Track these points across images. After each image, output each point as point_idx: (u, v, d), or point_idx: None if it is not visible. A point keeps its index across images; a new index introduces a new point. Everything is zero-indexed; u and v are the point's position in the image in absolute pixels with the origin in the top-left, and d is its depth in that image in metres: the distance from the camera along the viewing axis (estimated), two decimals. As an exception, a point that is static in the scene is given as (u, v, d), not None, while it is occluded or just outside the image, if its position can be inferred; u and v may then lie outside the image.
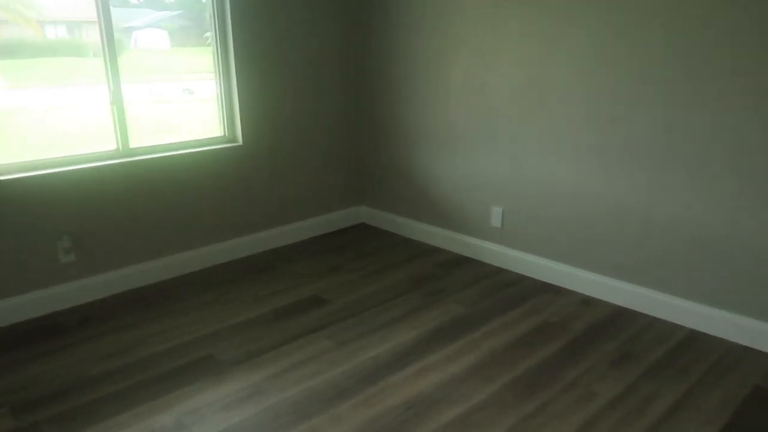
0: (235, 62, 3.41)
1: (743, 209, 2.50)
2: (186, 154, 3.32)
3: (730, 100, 2.44)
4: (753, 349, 2.57)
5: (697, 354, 2.54)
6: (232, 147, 3.51)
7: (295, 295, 3.16)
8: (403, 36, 3.68)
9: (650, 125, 2.70)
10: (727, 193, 2.53)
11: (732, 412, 2.15)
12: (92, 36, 3.07)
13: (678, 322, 2.80)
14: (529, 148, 3.20)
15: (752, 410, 2.17)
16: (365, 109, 4.08)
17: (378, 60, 3.88)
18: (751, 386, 2.31)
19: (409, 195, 3.97)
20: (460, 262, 3.60)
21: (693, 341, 2.65)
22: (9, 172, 2.80)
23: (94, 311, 2.99)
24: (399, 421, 2.11)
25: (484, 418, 2.13)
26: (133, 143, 3.18)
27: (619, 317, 2.87)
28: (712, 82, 2.47)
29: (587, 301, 3.04)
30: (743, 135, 2.43)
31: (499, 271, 3.45)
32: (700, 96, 2.52)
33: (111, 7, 2.98)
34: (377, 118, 4.01)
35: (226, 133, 3.55)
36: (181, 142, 3.37)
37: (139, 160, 3.14)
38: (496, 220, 3.47)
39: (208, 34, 3.43)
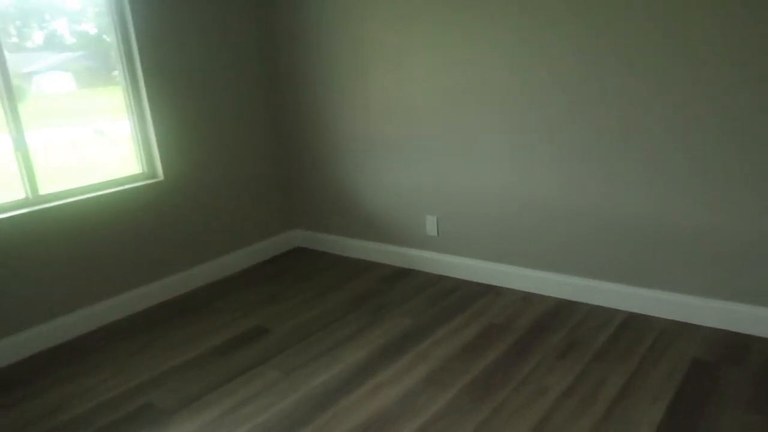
0: (148, 97, 3.28)
1: (661, 193, 2.62)
2: (103, 195, 3.14)
3: (636, 94, 2.56)
4: (687, 323, 2.68)
5: (636, 335, 2.62)
6: (152, 183, 3.36)
7: (235, 329, 3.03)
8: (321, 54, 3.66)
9: (562, 124, 2.79)
10: (644, 180, 2.64)
11: (676, 386, 2.22)
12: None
13: (615, 307, 2.89)
14: (454, 154, 3.24)
15: (693, 382, 2.24)
16: (288, 131, 4.03)
17: (297, 80, 3.85)
18: (690, 359, 2.40)
19: (342, 213, 3.93)
20: (400, 274, 3.58)
21: (631, 323, 2.73)
22: None
23: (15, 374, 2.75)
24: (357, 443, 2.05)
25: (444, 427, 2.10)
26: (45, 190, 2.99)
27: (559, 310, 2.93)
28: (615, 77, 2.60)
29: (527, 298, 3.09)
30: (649, 128, 2.56)
31: (440, 278, 3.46)
32: (606, 95, 2.63)
33: (6, 53, 2.80)
34: (302, 139, 3.97)
35: (145, 170, 3.39)
36: (97, 183, 3.20)
37: (51, 207, 2.94)
38: (431, 229, 3.48)
39: (116, 72, 3.29)
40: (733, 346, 2.46)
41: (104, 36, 3.28)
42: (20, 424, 2.34)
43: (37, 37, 3.20)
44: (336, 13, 3.49)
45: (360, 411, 2.23)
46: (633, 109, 2.60)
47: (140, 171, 3.39)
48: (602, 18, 2.58)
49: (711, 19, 2.33)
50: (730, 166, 2.43)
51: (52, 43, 3.26)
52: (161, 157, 3.38)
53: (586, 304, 2.96)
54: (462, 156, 3.21)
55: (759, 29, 2.24)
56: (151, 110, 3.30)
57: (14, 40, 2.95)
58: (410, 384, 2.39)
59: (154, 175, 3.42)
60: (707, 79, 2.39)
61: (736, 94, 2.34)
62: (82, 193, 3.11)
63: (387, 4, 3.25)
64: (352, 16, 3.42)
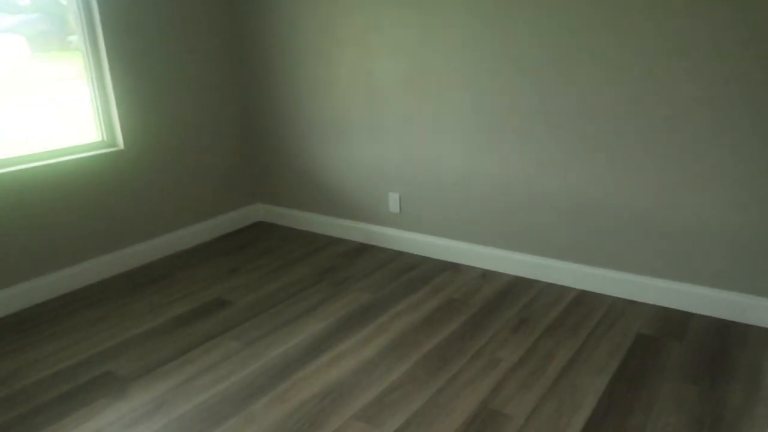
0: (109, 64, 3.21)
1: (615, 177, 2.72)
2: (60, 162, 3.08)
3: (594, 79, 2.64)
4: (634, 301, 2.82)
5: (586, 311, 2.74)
6: (112, 152, 3.31)
7: (196, 300, 3.04)
8: (286, 28, 3.64)
9: (525, 107, 2.86)
10: (601, 164, 2.74)
11: (620, 359, 2.35)
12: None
13: (567, 285, 3.00)
14: (418, 133, 3.29)
15: (636, 355, 2.37)
16: (252, 104, 4.00)
17: (262, 53, 3.81)
18: (634, 334, 2.53)
19: (305, 188, 3.94)
20: (362, 250, 3.63)
21: (582, 300, 2.85)
22: None
23: (-32, 342, 2.71)
24: (315, 411, 2.10)
25: (400, 396, 2.17)
26: (-2, 155, 2.91)
27: (515, 287, 3.03)
28: (577, 62, 2.67)
29: (486, 275, 3.19)
30: (607, 114, 2.65)
31: (401, 254, 3.52)
32: (568, 76, 2.71)
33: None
34: (265, 112, 3.94)
35: (105, 138, 3.33)
36: (54, 150, 3.13)
37: (4, 173, 2.87)
38: (393, 206, 3.53)
39: (72, 37, 3.20)
40: (675, 322, 2.61)
41: (61, -2, 3.18)
42: (-26, 391, 2.32)
43: (-10, -3, 3.08)
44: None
45: (318, 380, 2.29)
46: (592, 94, 2.68)
47: (99, 139, 3.33)
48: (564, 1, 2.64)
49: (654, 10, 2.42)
50: (678, 154, 2.54)
51: (6, 3, 3.15)
52: (122, 125, 3.32)
53: (541, 282, 3.07)
54: (426, 135, 3.26)
55: (698, 20, 2.34)
56: (112, 77, 3.24)
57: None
58: (368, 355, 2.45)
59: (113, 144, 3.36)
60: (662, 69, 2.48)
61: (682, 85, 2.45)
62: (38, 160, 3.04)
63: (355, -21, 3.24)
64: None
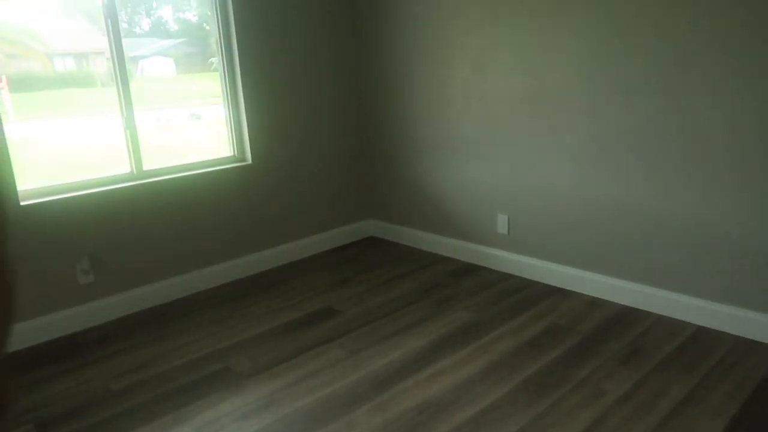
0: (242, 85, 3.52)
1: (749, 204, 2.55)
2: (197, 174, 3.42)
3: (738, 99, 2.50)
4: (760, 342, 2.60)
5: (704, 349, 2.58)
6: (241, 166, 3.61)
7: (308, 307, 3.22)
8: (405, 51, 3.78)
9: (642, 128, 2.76)
10: (732, 188, 2.58)
11: (740, 404, 2.18)
12: (100, 66, 3.19)
13: (685, 319, 2.83)
14: (530, 155, 3.27)
15: (760, 401, 2.19)
16: (368, 123, 4.18)
17: (383, 75, 3.98)
18: (759, 378, 2.34)
19: (416, 206, 4.04)
20: (468, 270, 3.65)
21: (700, 337, 2.68)
22: (29, 198, 2.90)
23: (112, 330, 3.07)
24: (413, 423, 2.16)
25: (497, 418, 2.17)
26: (147, 166, 3.29)
27: (625, 317, 2.91)
28: (701, 85, 2.54)
29: (594, 303, 3.09)
30: (739, 134, 2.49)
31: (507, 277, 3.50)
32: (704, 96, 2.58)
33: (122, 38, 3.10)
34: (381, 131, 4.11)
35: (236, 153, 3.65)
36: (192, 163, 3.48)
37: (152, 182, 3.24)
38: (502, 227, 3.53)
39: (213, 59, 3.55)
40: (809, 370, 2.38)
41: (204, 24, 3.54)
42: (113, 374, 2.63)
43: (144, 24, 3.51)
44: (421, 14, 3.58)
45: (418, 394, 2.34)
46: (723, 115, 2.53)
47: (231, 154, 3.65)
48: (676, 29, 2.53)
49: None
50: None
51: (158, 29, 3.56)
52: (251, 142, 3.62)
53: (655, 314, 2.92)
54: (538, 157, 3.24)
55: None
56: (245, 97, 3.54)
57: (124, 25, 3.24)
58: (468, 374, 2.47)
59: (243, 159, 3.67)
60: (801, 92, 2.30)
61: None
62: (180, 171, 3.39)
63: (471, 7, 3.31)
64: (436, 18, 3.50)
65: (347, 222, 4.30)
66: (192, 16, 3.69)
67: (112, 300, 3.18)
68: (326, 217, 4.15)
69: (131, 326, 3.10)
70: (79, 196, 3.01)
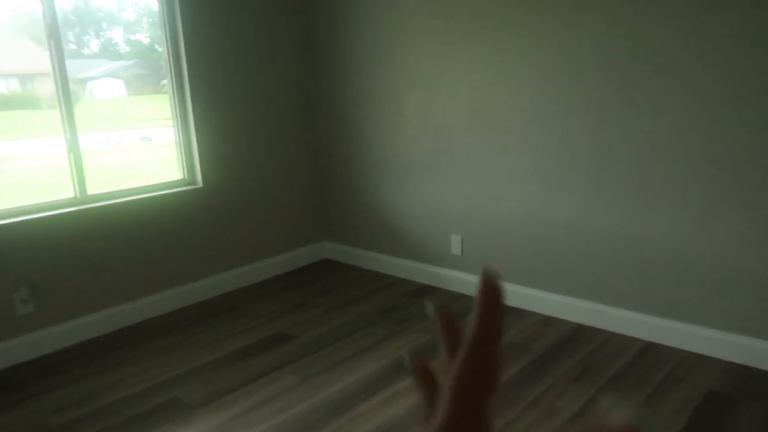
0: (192, 107, 3.46)
1: (690, 224, 2.64)
2: (145, 198, 3.32)
3: (663, 124, 2.60)
4: (705, 356, 2.68)
5: (653, 364, 2.63)
6: (191, 189, 3.53)
7: (260, 333, 3.15)
8: (356, 73, 3.80)
9: (591, 150, 2.84)
10: (674, 209, 2.67)
11: (688, 416, 2.23)
12: (46, 88, 3.10)
13: (635, 335, 2.89)
14: (482, 176, 3.31)
15: (707, 413, 2.25)
16: (323, 145, 4.17)
17: (333, 97, 3.99)
18: (705, 391, 2.40)
19: (371, 228, 4.03)
20: (424, 291, 3.65)
21: (649, 352, 2.74)
22: (-38, 225, 2.76)
23: (54, 362, 2.92)
24: (368, 449, 2.12)
25: (452, 440, 2.15)
26: (92, 191, 3.18)
27: (579, 334, 2.95)
28: (647, 104, 2.64)
29: (548, 321, 3.12)
30: (683, 158, 2.59)
31: (463, 297, 3.51)
32: (637, 123, 2.68)
33: (66, 60, 3.01)
34: (336, 154, 4.10)
35: (186, 177, 3.57)
36: (140, 187, 3.38)
37: (97, 207, 3.13)
38: (456, 248, 3.55)
39: (164, 81, 3.49)
40: (751, 381, 2.45)
41: (156, 46, 3.49)
42: (53, 409, 2.50)
43: (94, 45, 3.43)
44: (372, 34, 3.62)
45: (373, 419, 2.31)
46: (663, 139, 2.63)
47: (181, 177, 3.57)
48: (617, 57, 2.63)
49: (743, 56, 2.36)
50: (760, 200, 2.44)
51: (108, 51, 3.48)
52: (201, 165, 3.55)
53: (606, 331, 2.97)
54: (489, 178, 3.28)
55: (787, 67, 2.26)
56: (195, 119, 3.48)
57: (72, 46, 3.16)
58: (424, 397, 2.45)
59: (193, 182, 3.59)
60: (749, 116, 2.42)
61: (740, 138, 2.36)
62: (126, 196, 3.30)
63: (424, 24, 3.37)
64: (389, 36, 3.55)
65: (301, 245, 4.25)
66: (144, 37, 3.63)
67: (54, 330, 3.04)
68: (280, 240, 4.09)
69: (75, 357, 2.97)
70: (16, 222, 2.88)
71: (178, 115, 3.50)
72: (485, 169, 3.29)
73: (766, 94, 2.33)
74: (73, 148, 3.08)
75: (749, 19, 2.33)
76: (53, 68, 2.99)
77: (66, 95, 3.03)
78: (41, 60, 3.02)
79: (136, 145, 3.67)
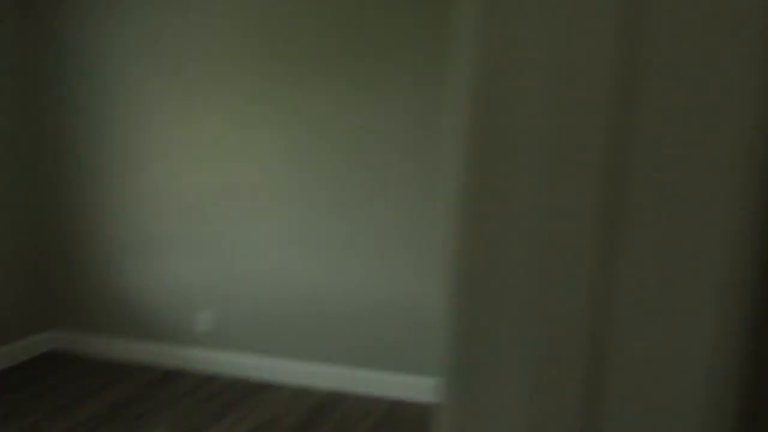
0: None
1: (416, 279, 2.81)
2: None
3: (380, 202, 2.77)
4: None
5: (399, 421, 2.69)
6: None
7: (-52, 460, 2.51)
8: (87, 139, 3.41)
9: (328, 214, 2.91)
10: (385, 267, 2.82)
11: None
12: None
13: (380, 395, 2.95)
14: (228, 246, 3.17)
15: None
16: (48, 222, 3.62)
17: (58, 160, 3.52)
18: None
19: (110, 311, 3.57)
20: (169, 377, 3.31)
21: (393, 409, 2.81)
22: None
23: None
24: None
25: None
26: None
27: (328, 401, 2.92)
28: (375, 182, 2.79)
29: (300, 393, 3.04)
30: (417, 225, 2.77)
31: (213, 378, 3.26)
32: (362, 195, 2.82)
33: None
34: (66, 232, 3.59)
35: None
36: None
37: None
38: (205, 324, 3.31)
39: None
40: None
41: None
42: None
43: None
44: (113, 105, 3.31)
45: None
46: (378, 212, 2.80)
47: None
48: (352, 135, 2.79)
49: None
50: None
51: None
52: None
53: (353, 394, 2.99)
54: (236, 248, 3.16)
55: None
56: None
57: None
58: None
59: None
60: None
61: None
62: None
63: (169, 104, 3.18)
64: (134, 111, 3.28)
65: (19, 336, 3.58)
66: None
67: None
68: (-12, 335, 3.39)
69: None
70: None
71: None
72: (232, 239, 3.16)
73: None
74: None
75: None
76: None
77: None
78: None
79: None
